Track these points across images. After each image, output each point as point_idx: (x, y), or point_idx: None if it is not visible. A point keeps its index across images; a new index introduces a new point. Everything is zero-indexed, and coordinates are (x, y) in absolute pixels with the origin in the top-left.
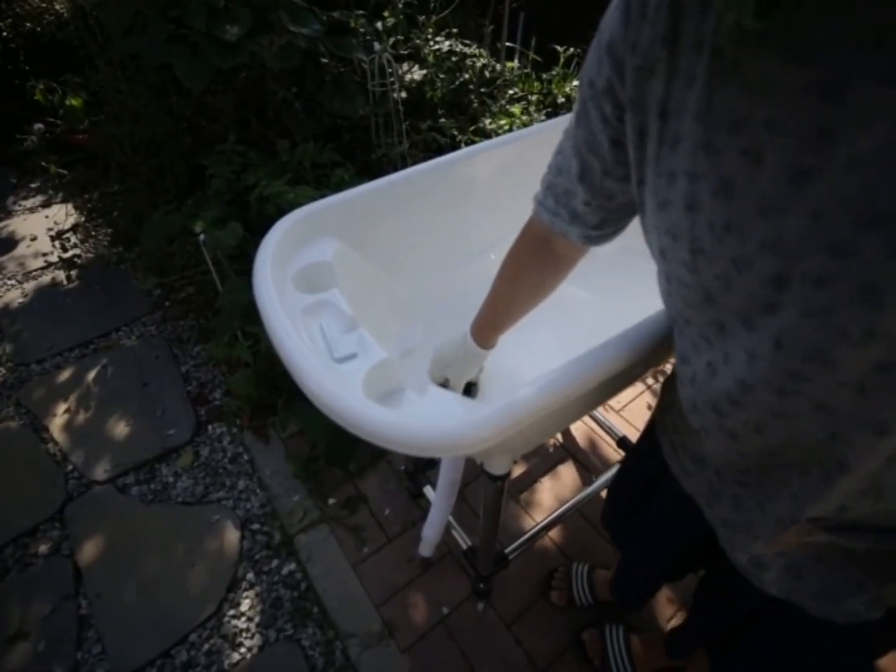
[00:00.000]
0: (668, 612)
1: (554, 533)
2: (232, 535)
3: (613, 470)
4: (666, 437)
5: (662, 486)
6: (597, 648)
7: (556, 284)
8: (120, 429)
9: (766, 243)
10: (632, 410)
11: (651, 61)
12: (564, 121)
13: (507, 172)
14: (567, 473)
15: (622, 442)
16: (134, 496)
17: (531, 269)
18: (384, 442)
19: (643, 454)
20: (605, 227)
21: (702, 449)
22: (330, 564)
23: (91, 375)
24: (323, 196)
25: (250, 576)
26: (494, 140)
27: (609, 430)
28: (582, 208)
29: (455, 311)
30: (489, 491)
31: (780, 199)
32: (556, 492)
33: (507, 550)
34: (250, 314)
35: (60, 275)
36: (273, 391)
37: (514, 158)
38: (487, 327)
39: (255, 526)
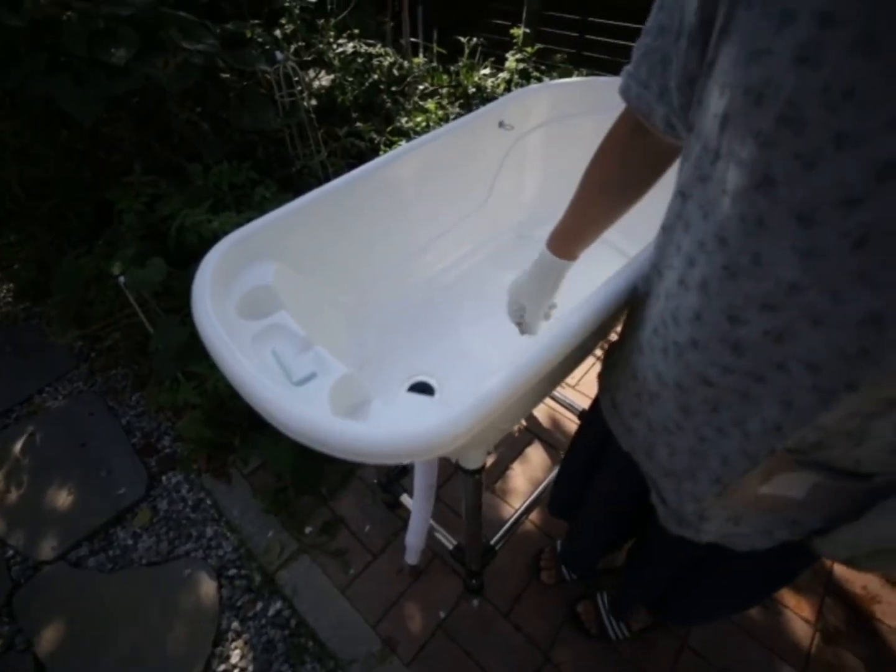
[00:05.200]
0: None
1: (534, 515)
2: (208, 587)
3: None
4: (608, 395)
5: (607, 451)
6: (592, 618)
7: (649, 187)
8: (62, 499)
9: (894, 125)
10: (586, 384)
11: None
12: (478, 115)
13: (431, 171)
14: (536, 455)
15: (583, 415)
16: (91, 568)
17: (625, 167)
18: (360, 456)
19: (589, 423)
20: (683, 117)
21: (640, 392)
22: (318, 594)
23: (17, 447)
24: (249, 219)
25: (235, 625)
26: (413, 142)
27: (569, 407)
28: (672, 81)
29: (405, 311)
30: (468, 486)
31: None
32: (528, 475)
33: (492, 542)
34: (190, 352)
35: None
36: (227, 428)
37: (435, 157)
38: (567, 237)
39: (232, 571)
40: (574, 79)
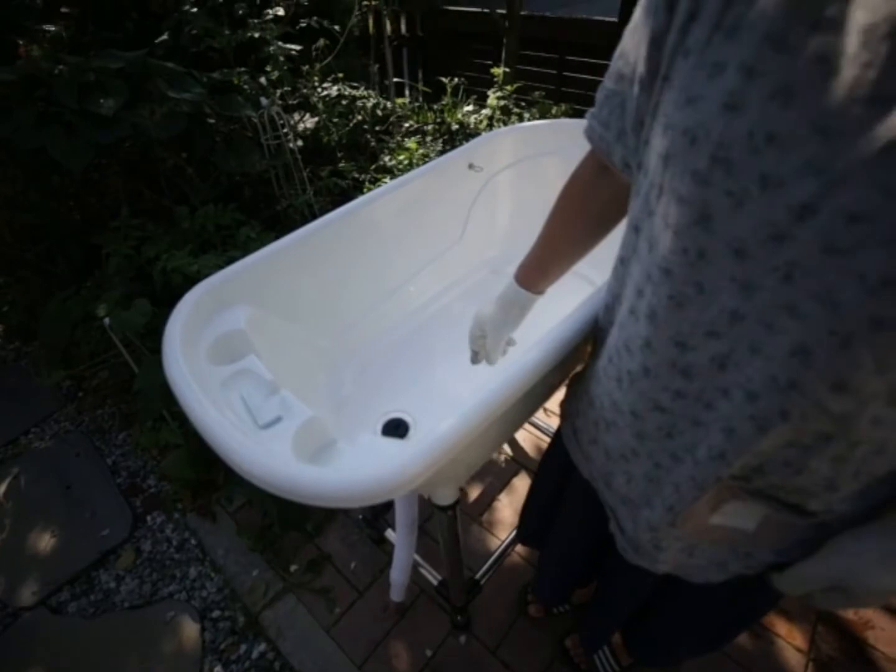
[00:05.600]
0: None
1: (520, 547)
2: (191, 630)
3: None
4: (569, 423)
5: (572, 478)
6: (580, 652)
7: (614, 223)
8: (44, 542)
9: (812, 165)
10: None
11: None
12: (450, 158)
13: (405, 212)
14: (522, 485)
15: None
16: (72, 613)
17: (589, 200)
18: (321, 501)
19: (553, 452)
20: (637, 158)
21: (597, 421)
22: (302, 635)
23: (1, 490)
24: (231, 259)
25: (218, 669)
26: (388, 185)
27: (545, 431)
28: (628, 124)
29: (382, 350)
30: (442, 523)
31: (849, 121)
32: (515, 506)
33: (477, 576)
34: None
35: None
36: (211, 467)
37: (409, 199)
38: (536, 271)
39: (216, 613)
40: (538, 122)
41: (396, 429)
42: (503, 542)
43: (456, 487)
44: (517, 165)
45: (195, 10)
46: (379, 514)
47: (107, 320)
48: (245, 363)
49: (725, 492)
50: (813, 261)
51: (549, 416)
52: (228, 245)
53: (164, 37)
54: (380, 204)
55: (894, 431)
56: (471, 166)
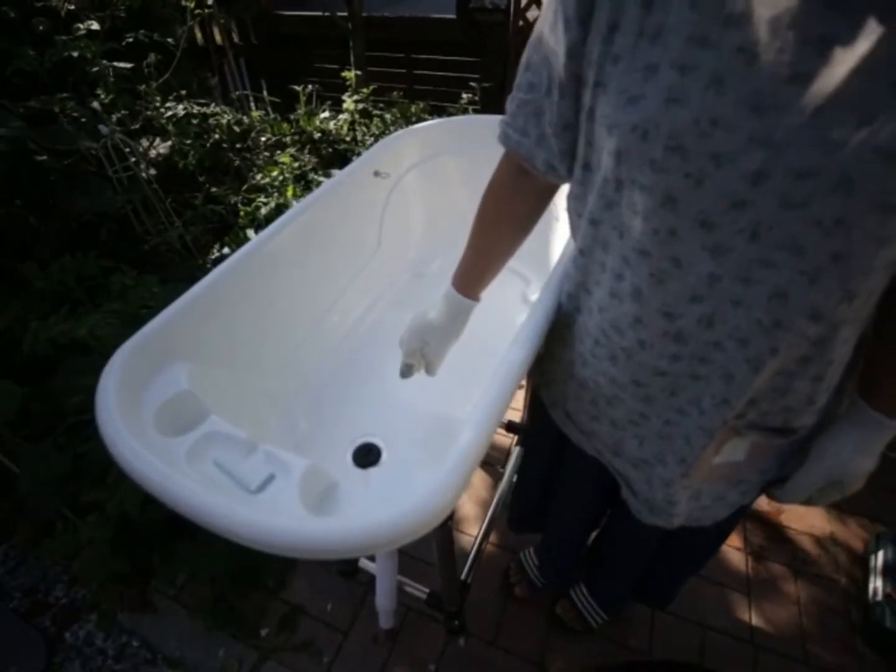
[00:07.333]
0: None
1: (492, 536)
2: None
3: (515, 453)
4: (558, 409)
5: (567, 461)
6: (572, 615)
7: (536, 220)
8: None
9: (756, 138)
10: None
11: None
12: (352, 169)
13: (318, 232)
14: (477, 478)
15: (510, 426)
16: None
17: (510, 205)
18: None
19: (539, 434)
20: (565, 161)
21: (596, 399)
22: None
23: None
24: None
25: None
26: (295, 208)
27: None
28: (548, 129)
29: (328, 377)
30: (439, 534)
31: (777, 97)
32: (476, 499)
33: (462, 577)
34: (77, 479)
35: None
36: (140, 551)
37: (319, 218)
38: (471, 276)
39: None
40: (432, 122)
41: (368, 454)
42: (475, 537)
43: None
44: (420, 166)
45: None
46: None
47: None
48: (207, 426)
49: (727, 433)
50: (774, 217)
51: None
52: (99, 298)
53: None
54: (291, 230)
55: (850, 344)
56: (377, 173)
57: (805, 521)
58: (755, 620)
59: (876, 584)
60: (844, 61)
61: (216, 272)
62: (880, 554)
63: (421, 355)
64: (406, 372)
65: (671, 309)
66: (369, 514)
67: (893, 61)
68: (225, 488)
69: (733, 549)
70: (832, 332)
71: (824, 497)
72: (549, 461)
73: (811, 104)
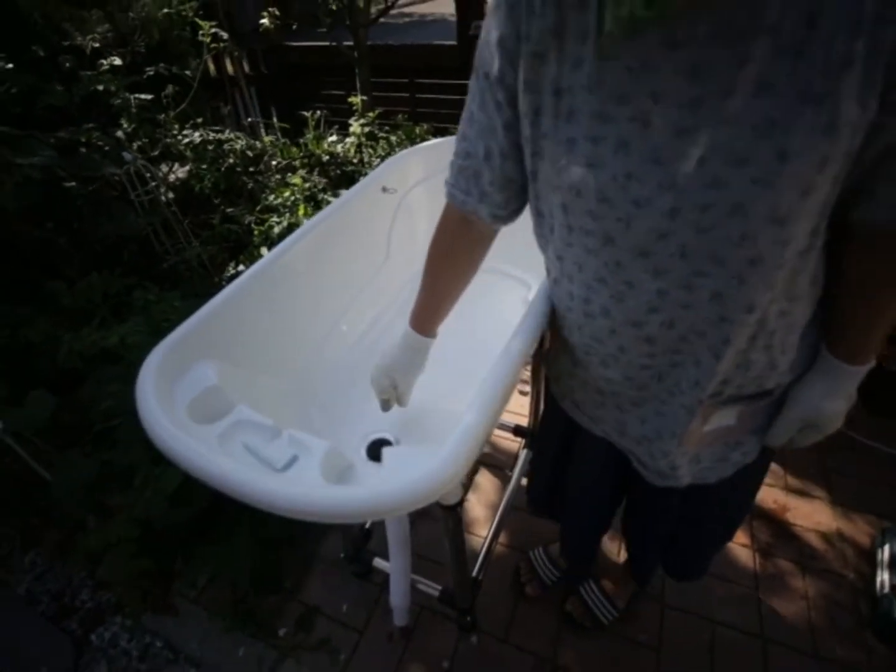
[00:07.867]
0: (614, 546)
1: (501, 537)
2: None
3: (523, 456)
4: (567, 401)
5: (577, 444)
6: (581, 611)
7: (480, 261)
8: None
9: (663, 184)
10: (511, 404)
11: (543, 48)
12: (363, 186)
13: (331, 245)
14: (486, 481)
15: (517, 430)
16: None
17: (457, 249)
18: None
19: (551, 423)
20: (509, 206)
21: (601, 390)
22: None
23: None
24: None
25: None
26: (310, 222)
27: (500, 426)
28: (488, 188)
29: (340, 381)
30: (448, 524)
31: (670, 151)
32: (485, 501)
33: (473, 575)
34: (102, 485)
35: None
36: (163, 553)
37: (332, 231)
38: (425, 315)
39: None
40: (437, 140)
41: (381, 448)
42: (485, 537)
43: (460, 483)
44: (425, 182)
45: (10, 66)
46: (360, 548)
47: None
48: (237, 415)
49: (710, 409)
50: (694, 240)
51: None
52: (123, 314)
53: None
54: (307, 242)
55: (792, 315)
56: (385, 189)
57: (811, 517)
58: (764, 615)
59: (883, 576)
60: (713, 116)
61: (236, 283)
62: (887, 548)
63: (392, 390)
64: (385, 406)
65: (636, 318)
66: (389, 481)
67: (752, 112)
68: (254, 467)
69: (740, 546)
70: (766, 313)
71: (805, 438)
72: (561, 443)
73: (696, 153)
